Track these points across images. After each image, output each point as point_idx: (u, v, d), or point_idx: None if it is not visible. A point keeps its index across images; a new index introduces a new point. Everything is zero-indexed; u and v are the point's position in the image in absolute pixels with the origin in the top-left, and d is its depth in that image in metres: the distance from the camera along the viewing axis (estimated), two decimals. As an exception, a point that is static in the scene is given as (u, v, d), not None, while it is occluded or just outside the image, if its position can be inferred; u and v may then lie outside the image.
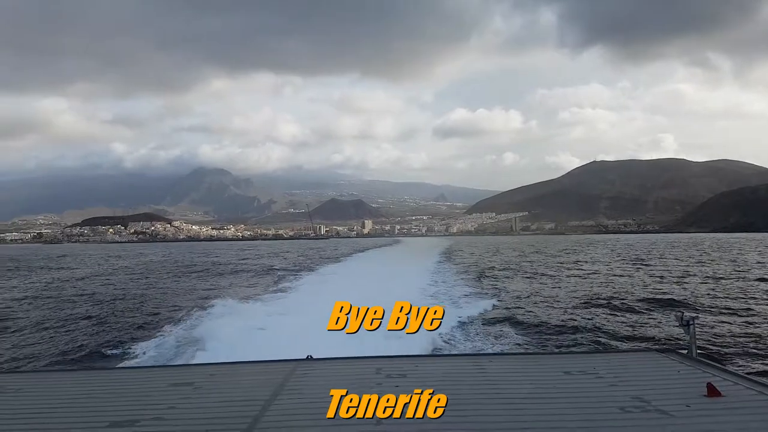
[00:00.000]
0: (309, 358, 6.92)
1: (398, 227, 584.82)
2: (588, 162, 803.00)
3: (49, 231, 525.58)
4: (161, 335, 20.77)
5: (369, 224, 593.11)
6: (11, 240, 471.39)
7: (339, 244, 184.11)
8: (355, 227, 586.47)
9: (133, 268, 70.22)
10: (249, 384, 5.93)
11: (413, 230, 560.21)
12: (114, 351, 19.14)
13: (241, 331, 18.29)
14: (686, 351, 6.63)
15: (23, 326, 25.30)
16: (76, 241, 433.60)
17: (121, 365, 15.70)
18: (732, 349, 17.85)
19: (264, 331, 17.52)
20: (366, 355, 7.17)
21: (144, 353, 18.04)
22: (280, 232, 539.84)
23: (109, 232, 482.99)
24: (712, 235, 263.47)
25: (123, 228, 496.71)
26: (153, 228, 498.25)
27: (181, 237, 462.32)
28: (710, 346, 17.56)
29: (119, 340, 21.03)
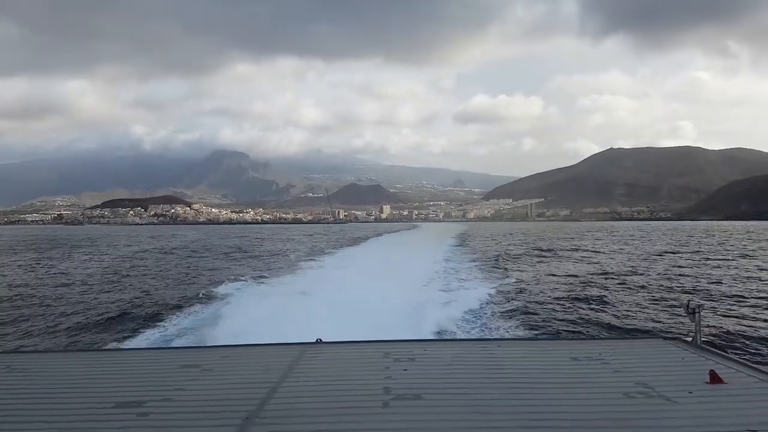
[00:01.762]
0: (318, 341, 6.93)
1: (416, 212, 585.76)
2: (605, 149, 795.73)
3: (69, 212, 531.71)
4: (175, 317, 21.16)
5: (387, 209, 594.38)
6: (32, 221, 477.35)
7: (357, 229, 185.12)
8: (374, 212, 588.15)
9: (158, 252, 71.51)
10: (258, 366, 5.97)
11: (431, 216, 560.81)
12: (126, 332, 19.29)
13: (253, 313, 18.60)
14: (691, 339, 6.71)
15: (40, 307, 25.67)
16: (96, 223, 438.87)
17: (131, 346, 15.89)
18: (736, 337, 18.10)
19: (276, 314, 17.59)
20: (375, 339, 7.25)
21: (155, 334, 18.34)
22: (299, 216, 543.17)
23: (129, 215, 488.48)
24: (722, 222, 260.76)
25: (143, 210, 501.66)
26: (173, 210, 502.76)
27: (201, 220, 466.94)
28: (715, 334, 17.81)
29: (135, 320, 21.31)
